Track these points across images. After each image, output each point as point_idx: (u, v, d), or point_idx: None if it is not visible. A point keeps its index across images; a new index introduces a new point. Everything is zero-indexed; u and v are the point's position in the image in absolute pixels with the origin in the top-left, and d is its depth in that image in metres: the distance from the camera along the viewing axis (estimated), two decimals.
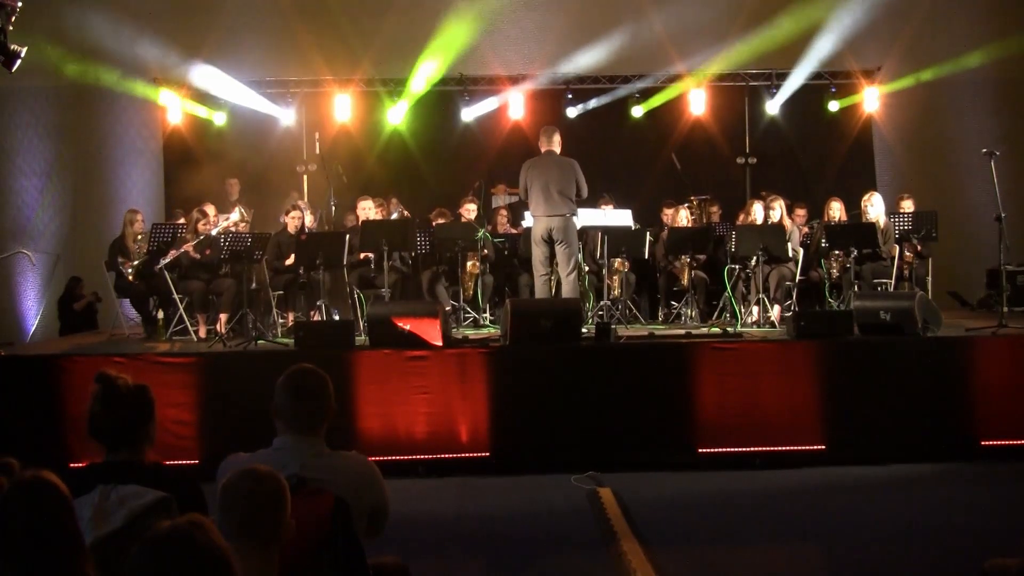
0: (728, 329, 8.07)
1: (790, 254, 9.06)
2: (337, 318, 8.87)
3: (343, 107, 11.52)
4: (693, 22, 11.16)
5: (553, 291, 8.60)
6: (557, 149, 8.50)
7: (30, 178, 11.37)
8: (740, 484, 6.28)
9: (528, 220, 9.77)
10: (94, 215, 11.44)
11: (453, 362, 6.80)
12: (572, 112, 11.82)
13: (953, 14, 11.48)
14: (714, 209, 10.67)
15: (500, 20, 11.66)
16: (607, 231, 9.27)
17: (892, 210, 9.20)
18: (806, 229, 9.89)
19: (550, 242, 8.34)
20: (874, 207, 9.04)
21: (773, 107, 11.85)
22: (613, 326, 7.46)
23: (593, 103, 11.86)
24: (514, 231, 10.18)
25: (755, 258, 8.76)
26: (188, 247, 8.54)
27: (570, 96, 11.85)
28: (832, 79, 11.82)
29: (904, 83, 11.50)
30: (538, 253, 8.41)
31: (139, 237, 8.74)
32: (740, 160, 11.88)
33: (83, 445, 5.91)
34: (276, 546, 2.27)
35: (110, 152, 11.75)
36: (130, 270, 8.62)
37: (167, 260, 8.35)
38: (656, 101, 11.83)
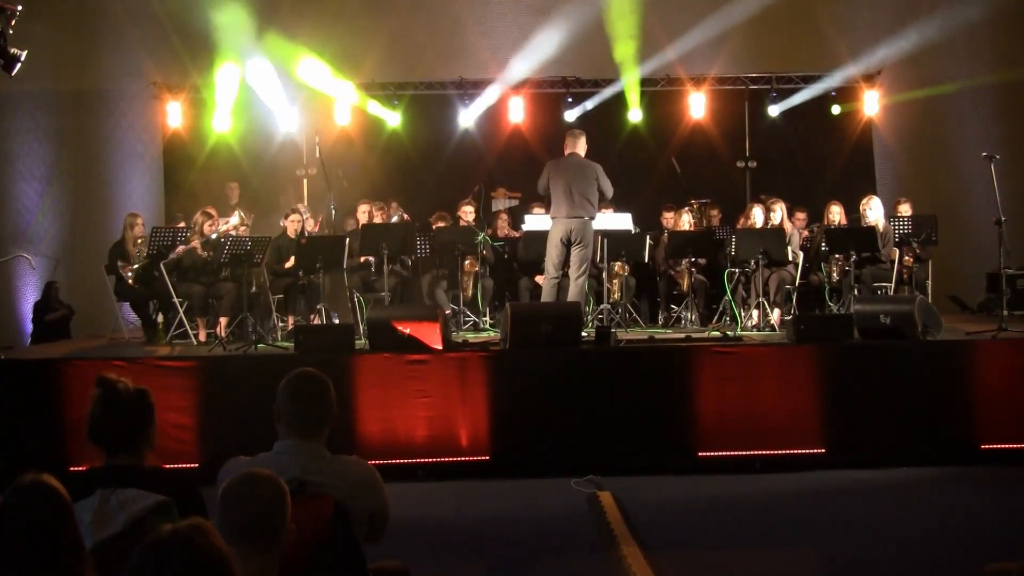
0: (728, 333, 8.06)
1: (790, 258, 9.07)
2: (337, 322, 8.87)
3: (343, 111, 11.51)
4: (694, 25, 11.18)
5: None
6: (582, 152, 8.51)
7: (30, 182, 11.38)
8: (740, 487, 6.28)
9: (529, 224, 9.79)
10: (94, 219, 11.45)
11: (453, 366, 6.80)
12: (571, 115, 11.82)
13: (953, 17, 11.48)
14: (714, 212, 10.68)
15: (496, 23, 11.70)
16: (607, 235, 9.27)
17: (890, 214, 9.21)
18: (806, 232, 9.90)
19: (568, 244, 8.33)
20: (873, 211, 9.05)
21: (773, 111, 11.86)
22: (613, 330, 7.47)
23: (592, 106, 11.85)
24: (515, 235, 10.18)
25: (755, 261, 8.76)
26: (195, 244, 8.57)
27: (570, 100, 11.85)
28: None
29: (907, 96, 11.52)
30: (554, 255, 8.39)
31: (139, 241, 8.75)
32: (740, 164, 11.88)
33: (83, 449, 5.91)
34: (276, 550, 2.27)
35: (110, 156, 11.76)
36: (130, 274, 8.63)
37: (174, 255, 8.39)
38: (655, 104, 11.83)
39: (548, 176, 8.39)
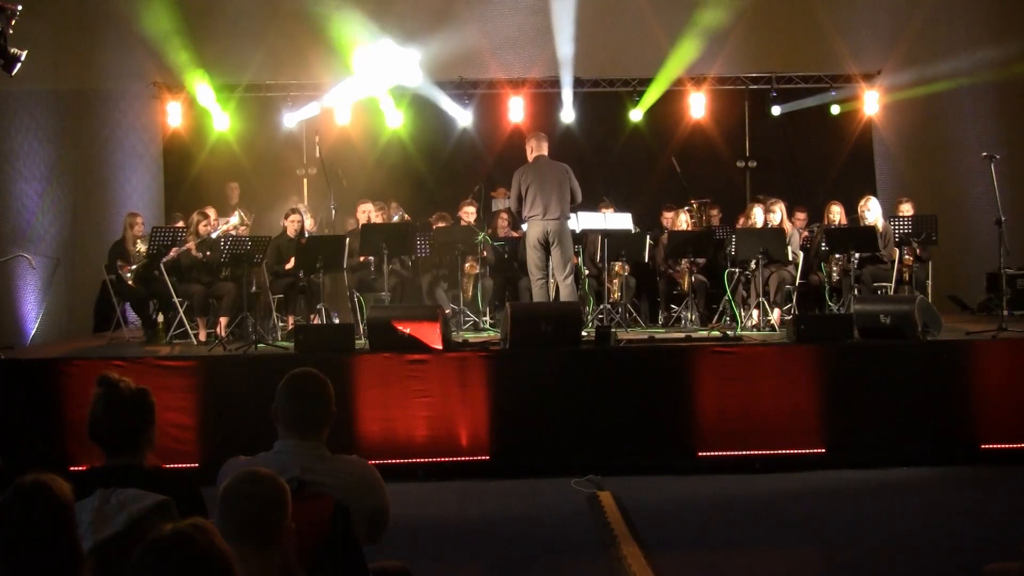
0: (728, 333, 8.07)
1: (790, 257, 9.07)
2: (337, 322, 8.87)
3: (343, 111, 11.50)
4: (693, 25, 11.17)
5: (552, 295, 8.59)
6: (546, 154, 8.49)
7: (30, 182, 11.36)
8: (740, 487, 6.28)
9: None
10: (94, 219, 11.43)
11: (453, 366, 6.80)
12: (571, 115, 11.81)
13: (953, 16, 11.48)
14: (714, 212, 10.69)
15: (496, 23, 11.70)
16: (607, 234, 9.28)
17: (891, 213, 9.21)
18: (806, 232, 9.90)
19: (546, 245, 8.33)
20: (871, 211, 9.06)
21: (774, 111, 11.86)
22: (613, 330, 7.47)
23: (593, 106, 11.84)
24: (515, 235, 10.18)
25: (755, 261, 8.76)
26: (190, 245, 8.56)
27: (570, 100, 11.83)
28: (832, 82, 11.84)
29: (907, 94, 11.51)
30: (534, 257, 8.39)
31: (139, 240, 8.75)
32: (740, 164, 11.88)
33: (83, 449, 5.93)
34: (276, 550, 2.26)
35: (110, 156, 11.74)
36: (130, 273, 8.64)
37: (169, 256, 8.38)
38: (655, 103, 11.82)
39: (519, 182, 8.32)
